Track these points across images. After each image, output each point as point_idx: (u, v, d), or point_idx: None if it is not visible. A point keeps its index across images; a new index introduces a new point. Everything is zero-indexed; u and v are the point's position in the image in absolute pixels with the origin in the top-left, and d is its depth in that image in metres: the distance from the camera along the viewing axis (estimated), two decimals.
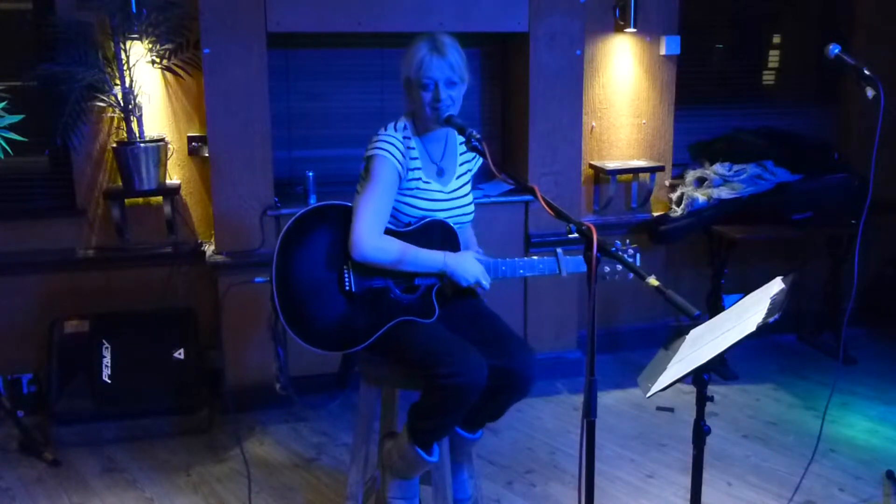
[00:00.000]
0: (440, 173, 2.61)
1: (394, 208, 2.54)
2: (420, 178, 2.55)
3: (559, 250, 2.58)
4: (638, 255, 2.62)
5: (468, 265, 2.50)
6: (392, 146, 2.49)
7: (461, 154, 2.68)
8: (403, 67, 2.51)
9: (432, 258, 2.49)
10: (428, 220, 2.56)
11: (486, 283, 2.52)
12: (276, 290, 2.44)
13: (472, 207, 2.68)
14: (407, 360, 2.46)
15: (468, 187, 2.69)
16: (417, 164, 2.55)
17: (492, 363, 2.45)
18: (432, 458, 2.50)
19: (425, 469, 2.56)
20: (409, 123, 2.58)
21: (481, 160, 2.73)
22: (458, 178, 2.65)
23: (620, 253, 2.51)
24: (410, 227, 2.54)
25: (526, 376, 2.50)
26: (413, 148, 2.55)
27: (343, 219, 2.50)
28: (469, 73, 2.56)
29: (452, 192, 2.62)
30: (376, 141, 2.51)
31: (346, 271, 2.49)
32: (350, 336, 2.49)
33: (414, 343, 2.45)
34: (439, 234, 2.57)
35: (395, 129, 2.54)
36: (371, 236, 2.43)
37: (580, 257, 2.53)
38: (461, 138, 2.64)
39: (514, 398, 2.57)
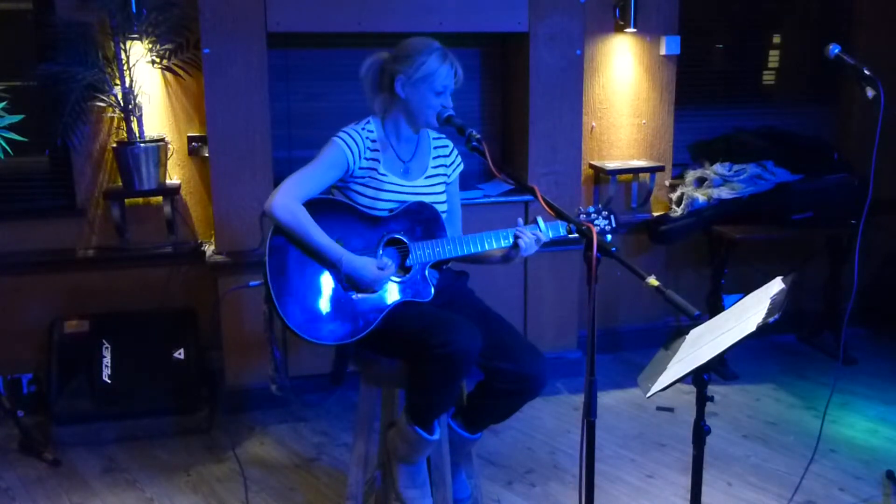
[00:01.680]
0: (406, 172, 2.63)
1: (350, 198, 2.56)
2: (376, 169, 2.56)
3: (539, 218, 2.60)
4: (613, 218, 2.66)
5: (365, 271, 2.47)
6: (350, 137, 2.55)
7: (434, 157, 2.69)
8: (408, 66, 2.51)
9: (332, 249, 2.47)
10: (410, 202, 2.58)
11: (377, 288, 2.50)
12: (272, 288, 2.44)
13: (442, 207, 2.67)
14: (400, 338, 2.46)
15: (440, 188, 2.68)
16: (378, 156, 2.57)
17: (504, 367, 2.47)
18: (433, 436, 2.50)
19: (429, 449, 2.56)
20: (378, 124, 2.61)
21: (462, 167, 2.78)
22: (427, 177, 2.66)
23: (595, 216, 2.62)
24: (394, 212, 2.56)
25: (539, 381, 2.52)
26: (375, 140, 2.58)
27: (333, 211, 2.52)
28: (466, 77, 2.61)
29: (417, 186, 2.62)
30: (339, 131, 2.57)
31: None
32: (351, 324, 2.49)
33: (406, 321, 2.47)
34: (422, 217, 2.59)
35: (359, 125, 2.59)
36: (285, 196, 2.45)
37: (557, 223, 2.57)
38: (436, 142, 2.70)
39: (524, 402, 2.58)
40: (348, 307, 2.50)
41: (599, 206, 2.68)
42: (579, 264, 4.04)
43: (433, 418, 2.50)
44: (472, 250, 2.59)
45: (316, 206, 2.50)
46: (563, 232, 2.59)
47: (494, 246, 2.59)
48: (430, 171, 2.67)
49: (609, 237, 2.66)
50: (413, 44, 2.56)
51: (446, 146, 2.73)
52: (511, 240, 2.57)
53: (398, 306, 2.52)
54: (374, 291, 2.51)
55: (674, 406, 3.81)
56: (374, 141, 2.58)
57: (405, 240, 2.57)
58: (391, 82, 2.55)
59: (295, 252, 2.48)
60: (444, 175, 2.71)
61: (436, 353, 2.34)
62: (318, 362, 3.69)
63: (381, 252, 2.55)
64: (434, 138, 2.72)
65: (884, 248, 4.77)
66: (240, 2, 3.56)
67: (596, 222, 2.62)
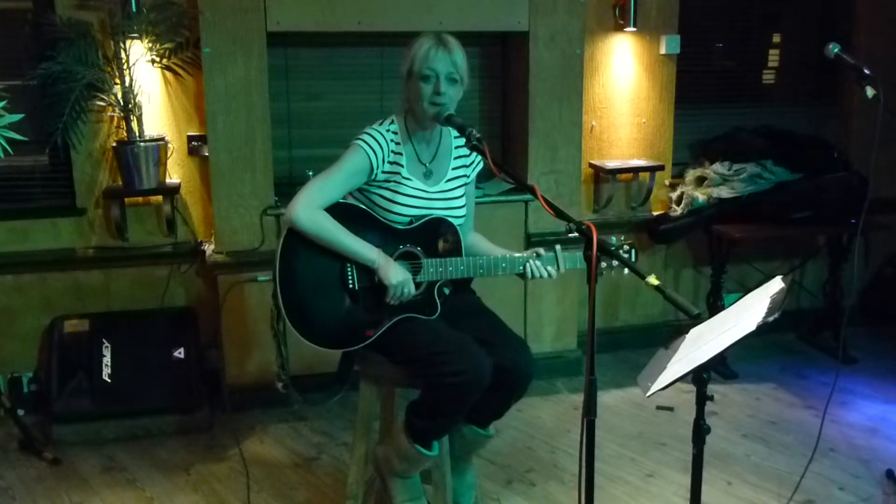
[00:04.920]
0: (427, 175, 2.60)
1: (371, 201, 2.54)
2: (399, 173, 2.54)
3: (558, 247, 2.58)
4: (633, 252, 2.61)
5: (395, 271, 2.47)
6: (374, 140, 2.51)
7: (455, 158, 2.66)
8: (404, 62, 2.50)
9: (365, 251, 2.47)
10: (430, 217, 2.56)
11: (407, 292, 2.48)
12: (280, 288, 2.45)
13: (461, 211, 2.64)
14: (410, 358, 2.46)
15: (460, 191, 2.66)
16: (401, 159, 2.54)
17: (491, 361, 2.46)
18: (433, 453, 2.50)
19: (427, 464, 2.56)
20: (401, 122, 2.58)
21: (481, 167, 2.72)
22: (448, 181, 2.63)
23: (614, 248, 2.52)
24: (413, 225, 2.55)
25: (520, 374, 2.51)
26: (399, 143, 2.55)
27: (345, 216, 2.50)
28: (469, 77, 2.55)
29: (438, 193, 2.60)
30: (362, 133, 2.53)
31: (348, 268, 2.50)
32: (353, 333, 2.50)
33: (417, 340, 2.45)
34: (440, 233, 2.57)
35: (383, 126, 2.55)
36: (306, 204, 2.44)
37: (577, 254, 2.54)
38: (457, 142, 2.65)
39: (514, 396, 2.57)
40: (353, 315, 2.50)
41: (622, 238, 2.61)
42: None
43: (435, 439, 2.50)
44: (484, 274, 2.57)
45: (333, 213, 2.49)
46: (580, 265, 2.54)
47: (508, 272, 2.57)
48: (451, 174, 2.64)
49: (626, 271, 2.56)
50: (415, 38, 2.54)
51: None
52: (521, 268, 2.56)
53: (401, 322, 2.51)
54: (400, 296, 2.48)
55: (674, 405, 3.81)
56: (397, 144, 2.55)
57: (420, 255, 2.55)
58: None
59: (306, 256, 2.47)
60: (465, 176, 2.68)
61: (449, 382, 2.33)
62: (319, 362, 3.68)
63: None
64: (455, 136, 2.66)
65: (884, 248, 4.77)
66: (240, 1, 3.56)
67: None
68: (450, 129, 2.61)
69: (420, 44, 2.48)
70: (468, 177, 2.70)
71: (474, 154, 2.69)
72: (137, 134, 3.67)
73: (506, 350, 2.48)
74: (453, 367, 2.33)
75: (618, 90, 4.34)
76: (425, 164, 2.60)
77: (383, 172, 2.52)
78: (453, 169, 2.65)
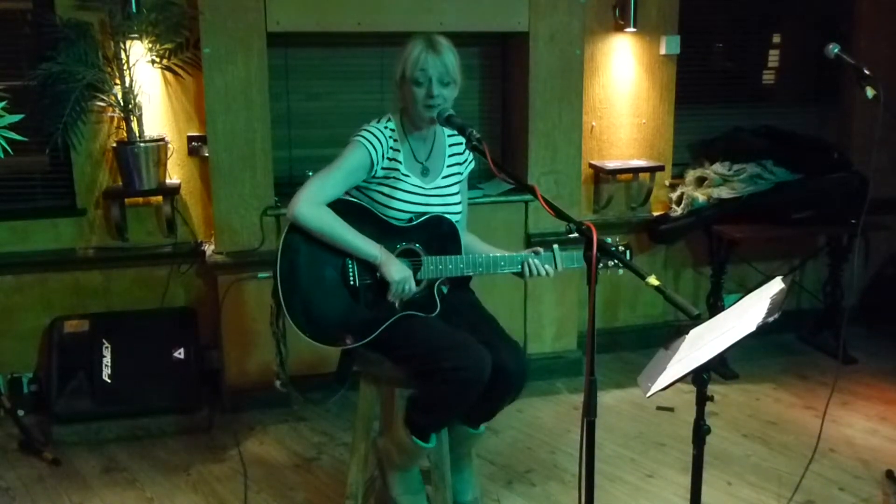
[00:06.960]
0: (424, 172, 2.62)
1: (370, 198, 2.56)
2: (398, 169, 2.56)
3: (555, 246, 2.59)
4: (629, 253, 2.62)
5: (398, 268, 2.49)
6: (374, 136, 2.53)
7: (450, 156, 2.68)
8: (397, 65, 2.53)
9: (367, 247, 2.48)
10: (430, 215, 2.57)
11: (408, 288, 2.50)
12: (280, 285, 2.46)
13: (458, 208, 2.67)
14: (410, 354, 2.47)
15: (455, 188, 2.68)
16: (399, 156, 2.57)
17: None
18: (430, 444, 2.52)
19: (424, 456, 2.57)
20: (397, 121, 2.60)
21: (474, 164, 2.76)
22: (443, 177, 2.65)
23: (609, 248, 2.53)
24: (413, 223, 2.56)
25: (520, 375, 2.52)
26: (396, 140, 2.57)
27: (345, 213, 2.51)
28: (462, 76, 2.56)
29: (435, 189, 2.62)
30: (361, 130, 2.56)
31: (349, 265, 2.50)
32: (353, 330, 2.50)
33: (417, 337, 2.47)
34: (440, 231, 2.58)
35: (381, 123, 2.58)
36: (309, 200, 2.46)
37: (573, 253, 2.56)
38: (450, 140, 2.67)
39: (507, 397, 2.58)
40: (353, 313, 2.50)
41: (617, 238, 2.63)
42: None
43: (434, 433, 2.51)
44: (483, 272, 2.58)
45: (333, 210, 2.49)
46: (577, 264, 2.57)
47: (507, 271, 2.59)
48: (446, 172, 2.66)
49: (621, 271, 2.58)
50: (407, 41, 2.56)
51: (460, 143, 2.68)
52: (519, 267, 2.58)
53: (401, 320, 2.52)
54: (402, 293, 2.50)
55: (674, 406, 3.81)
56: (395, 141, 2.57)
57: (420, 252, 2.56)
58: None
59: (307, 252, 2.48)
60: (459, 174, 2.71)
61: (449, 378, 2.35)
62: (319, 362, 3.69)
63: None
64: (448, 135, 2.69)
65: (884, 248, 4.78)
66: (240, 2, 3.56)
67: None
68: (441, 127, 2.63)
69: (411, 48, 2.50)
70: (461, 174, 2.72)
71: (467, 152, 2.72)
72: (137, 134, 3.67)
73: (502, 350, 2.49)
74: (454, 363, 2.34)
75: (618, 90, 4.34)
76: (422, 162, 2.62)
77: (382, 168, 2.54)
78: (448, 167, 2.68)
